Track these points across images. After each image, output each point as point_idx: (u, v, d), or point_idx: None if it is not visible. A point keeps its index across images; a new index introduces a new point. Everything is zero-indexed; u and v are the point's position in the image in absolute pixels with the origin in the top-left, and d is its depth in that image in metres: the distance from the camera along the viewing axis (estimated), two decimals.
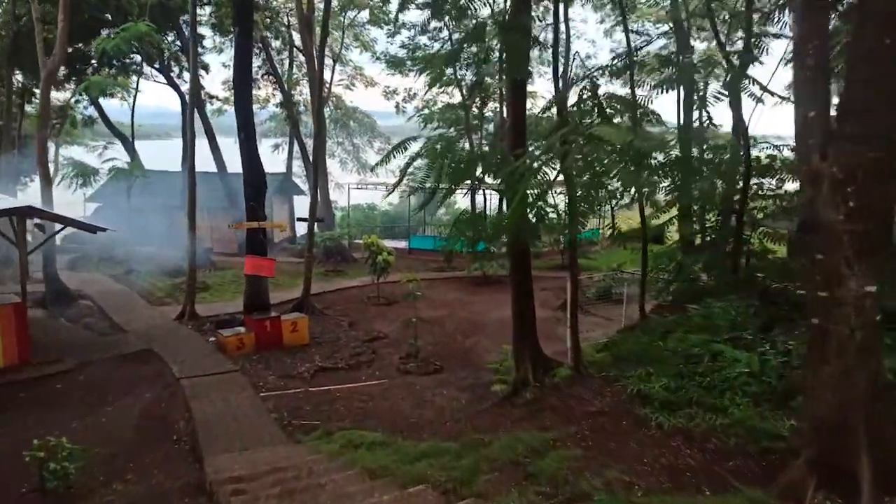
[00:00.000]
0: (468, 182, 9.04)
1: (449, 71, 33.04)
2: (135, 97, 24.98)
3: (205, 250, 24.72)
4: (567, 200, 8.93)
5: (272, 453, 8.63)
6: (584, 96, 9.09)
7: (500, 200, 34.11)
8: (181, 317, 16.50)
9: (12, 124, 26.40)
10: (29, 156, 25.28)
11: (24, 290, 12.48)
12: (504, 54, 10.91)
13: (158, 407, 10.92)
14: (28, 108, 29.33)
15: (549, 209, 8.81)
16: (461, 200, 38.78)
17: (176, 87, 28.07)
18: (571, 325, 10.02)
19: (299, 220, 18.68)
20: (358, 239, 28.46)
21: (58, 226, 15.23)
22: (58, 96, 31.56)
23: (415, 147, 11.32)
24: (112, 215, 27.32)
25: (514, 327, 10.18)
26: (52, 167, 30.25)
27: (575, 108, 9.32)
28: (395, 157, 9.44)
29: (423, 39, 34.58)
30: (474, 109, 30.20)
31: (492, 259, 22.70)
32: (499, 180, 9.38)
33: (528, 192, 7.82)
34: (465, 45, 11.70)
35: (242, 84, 15.86)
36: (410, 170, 9.40)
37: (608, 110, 8.95)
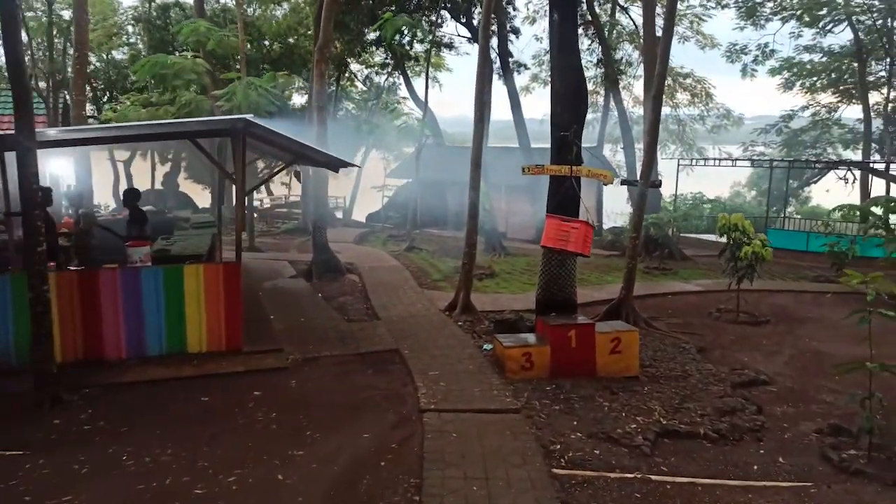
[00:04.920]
0: None
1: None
2: (429, 54, 21.63)
3: (495, 232, 20.56)
4: None
5: None
6: None
7: None
8: (451, 308, 11.84)
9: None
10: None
11: (238, 248, 8.84)
12: None
13: (375, 467, 5.96)
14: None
15: None
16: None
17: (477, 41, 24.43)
18: None
19: (624, 182, 12.36)
20: (686, 232, 21.63)
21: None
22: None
23: None
24: (415, 192, 25.13)
25: None
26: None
27: None
28: None
29: None
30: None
31: None
32: None
33: None
34: None
35: None
36: None
37: None
